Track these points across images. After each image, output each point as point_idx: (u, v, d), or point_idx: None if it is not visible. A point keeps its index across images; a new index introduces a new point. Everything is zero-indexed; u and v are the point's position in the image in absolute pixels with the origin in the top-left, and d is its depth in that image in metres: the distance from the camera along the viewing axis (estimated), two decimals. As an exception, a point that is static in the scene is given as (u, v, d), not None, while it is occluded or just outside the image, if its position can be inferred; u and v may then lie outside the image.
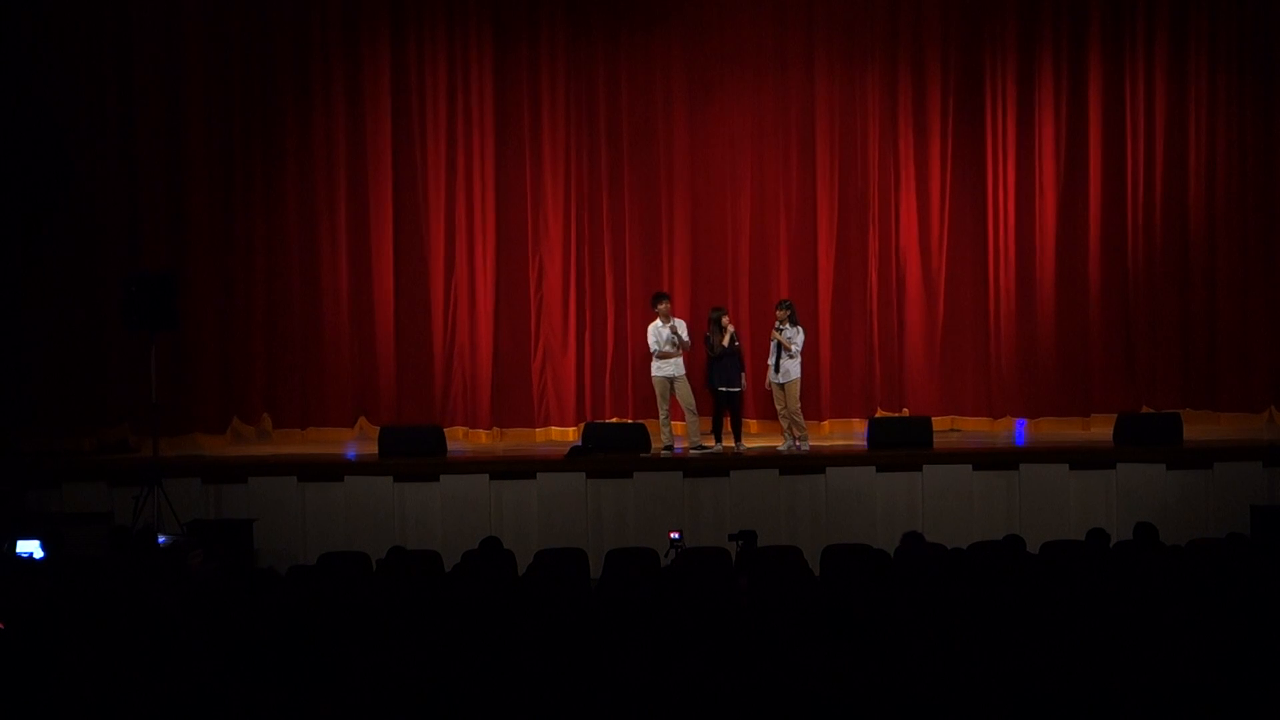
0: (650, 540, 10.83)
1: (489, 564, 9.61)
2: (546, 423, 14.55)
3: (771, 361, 13.24)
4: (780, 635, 6.82)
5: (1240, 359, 14.38)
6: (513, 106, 14.62)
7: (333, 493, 12.73)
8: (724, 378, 13.28)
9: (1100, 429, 13.88)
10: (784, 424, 13.26)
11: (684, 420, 13.37)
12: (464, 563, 9.70)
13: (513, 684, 6.02)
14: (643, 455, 13.08)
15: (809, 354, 13.78)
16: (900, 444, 13.14)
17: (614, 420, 14.33)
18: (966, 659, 6.31)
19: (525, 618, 7.40)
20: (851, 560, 9.86)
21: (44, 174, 13.63)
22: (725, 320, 13.36)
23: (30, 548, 10.41)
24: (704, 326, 13.58)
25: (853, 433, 14.20)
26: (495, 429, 14.54)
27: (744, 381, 13.40)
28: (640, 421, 13.90)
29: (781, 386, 13.18)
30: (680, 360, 13.26)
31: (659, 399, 13.29)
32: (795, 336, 13.23)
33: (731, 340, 13.30)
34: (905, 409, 14.50)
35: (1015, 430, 14.45)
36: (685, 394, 13.26)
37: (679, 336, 13.18)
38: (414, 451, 13.23)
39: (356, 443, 14.22)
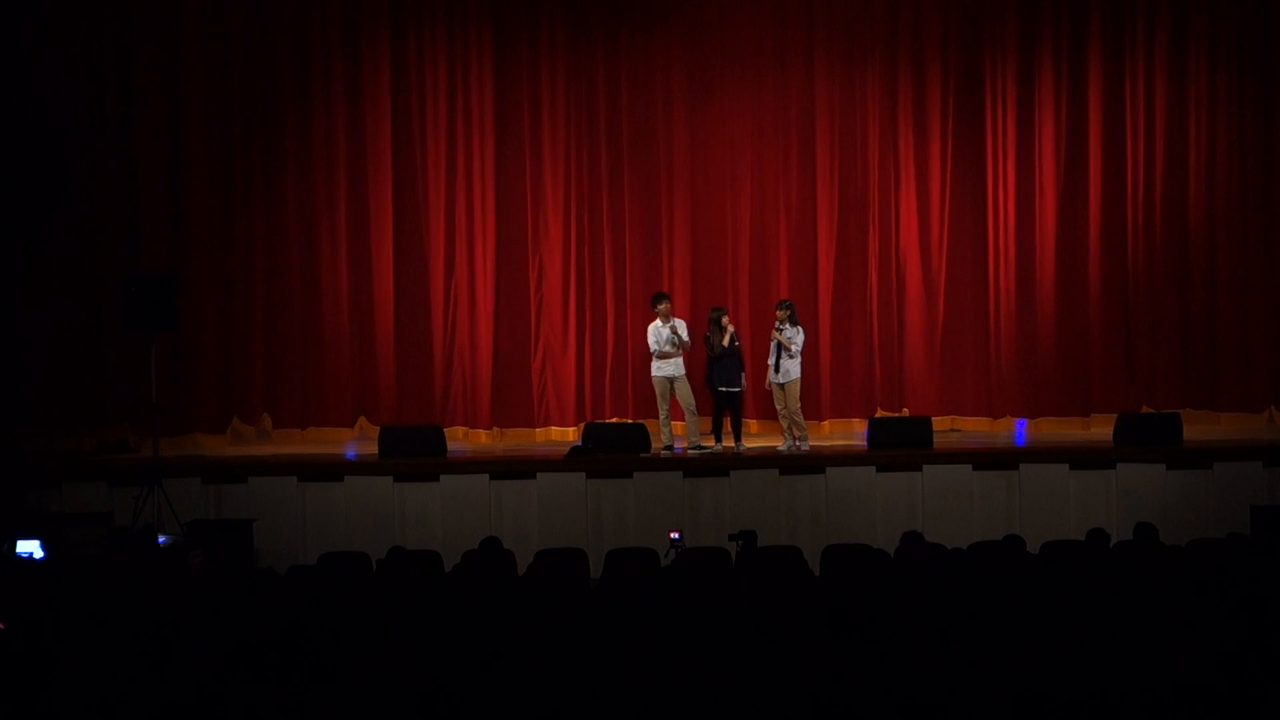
0: (650, 540, 10.83)
1: (489, 564, 9.61)
2: (546, 423, 14.56)
3: (771, 361, 13.24)
4: (780, 635, 6.81)
5: (1240, 359, 14.39)
6: (513, 106, 14.62)
7: (333, 493, 12.73)
8: (724, 378, 13.28)
9: (1100, 429, 13.88)
10: (784, 424, 13.26)
11: (684, 420, 13.36)
12: (464, 563, 9.70)
13: (513, 684, 6.02)
14: (643, 455, 13.08)
15: (809, 354, 13.79)
16: (900, 444, 13.14)
17: (614, 420, 14.33)
18: (966, 659, 6.31)
19: (525, 618, 7.40)
20: (851, 560, 9.86)
21: (44, 174, 13.62)
22: (725, 320, 13.36)
23: (30, 548, 10.41)
24: (704, 326, 13.57)
25: (853, 433, 14.20)
26: (495, 429, 14.54)
27: (744, 381, 13.40)
28: (640, 421, 13.90)
29: (781, 386, 13.18)
30: (680, 360, 13.26)
31: (659, 399, 13.29)
32: (795, 336, 13.23)
33: (731, 340, 13.30)
34: (905, 409, 14.50)
35: (1015, 430, 14.46)
36: (685, 394, 13.25)
37: (679, 336, 13.18)
38: (414, 451, 13.23)
39: (356, 443, 14.22)
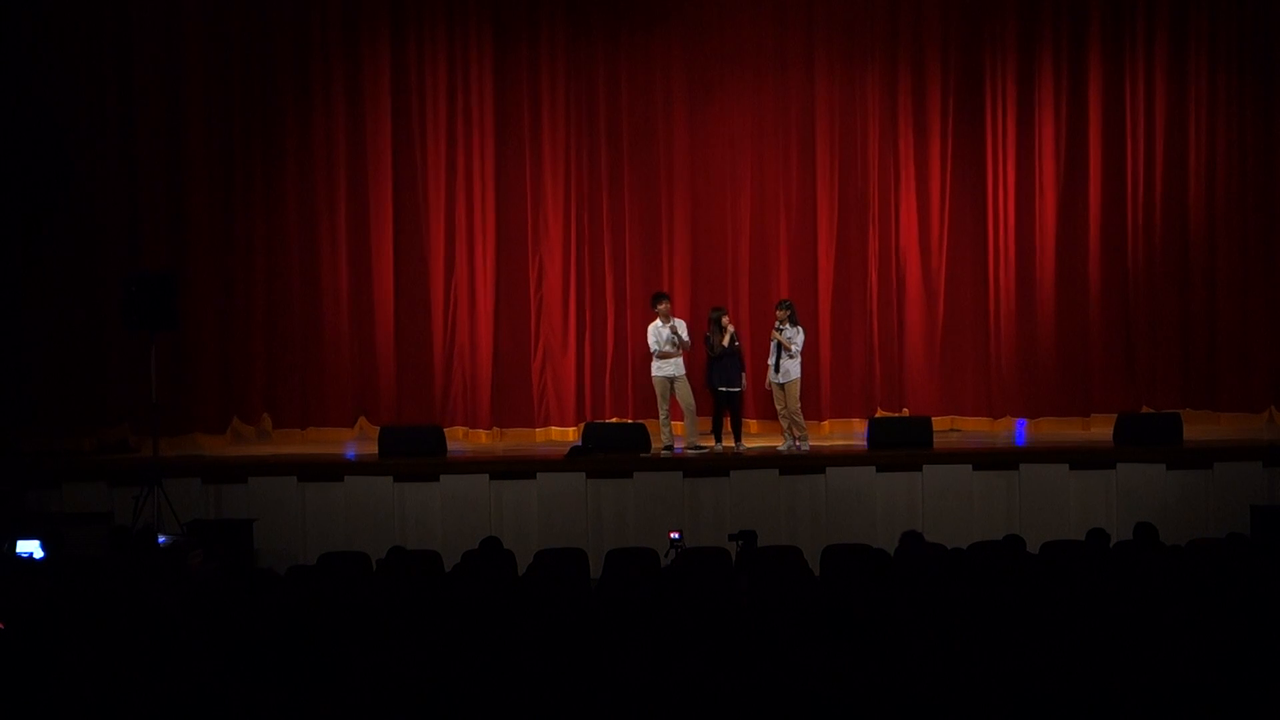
0: (650, 540, 10.83)
1: (489, 564, 9.61)
2: (546, 423, 14.56)
3: (771, 361, 13.24)
4: (780, 635, 6.81)
5: (1240, 359, 14.39)
6: (513, 106, 14.62)
7: (333, 493, 12.72)
8: (724, 378, 13.28)
9: (1100, 429, 13.88)
10: (784, 424, 13.26)
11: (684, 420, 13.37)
12: (464, 563, 9.70)
13: (513, 684, 6.02)
14: (643, 455, 13.07)
15: (809, 354, 13.78)
16: (900, 444, 13.14)
17: (614, 420, 14.33)
18: (966, 659, 6.31)
19: (525, 618, 7.40)
20: (851, 560, 9.86)
21: (44, 174, 13.62)
22: (725, 320, 13.35)
23: (30, 548, 10.41)
24: (704, 326, 13.57)
25: (853, 433, 14.20)
26: (495, 429, 14.54)
27: (744, 381, 13.40)
28: (640, 421, 13.89)
29: (781, 386, 13.18)
30: (680, 360, 13.26)
31: (659, 399, 13.29)
32: (795, 336, 13.23)
33: (731, 340, 13.30)
34: (905, 409, 14.50)
35: (1015, 430, 14.46)
36: (685, 394, 13.26)
37: (679, 336, 13.18)
38: (414, 451, 13.23)
39: (356, 443, 14.22)
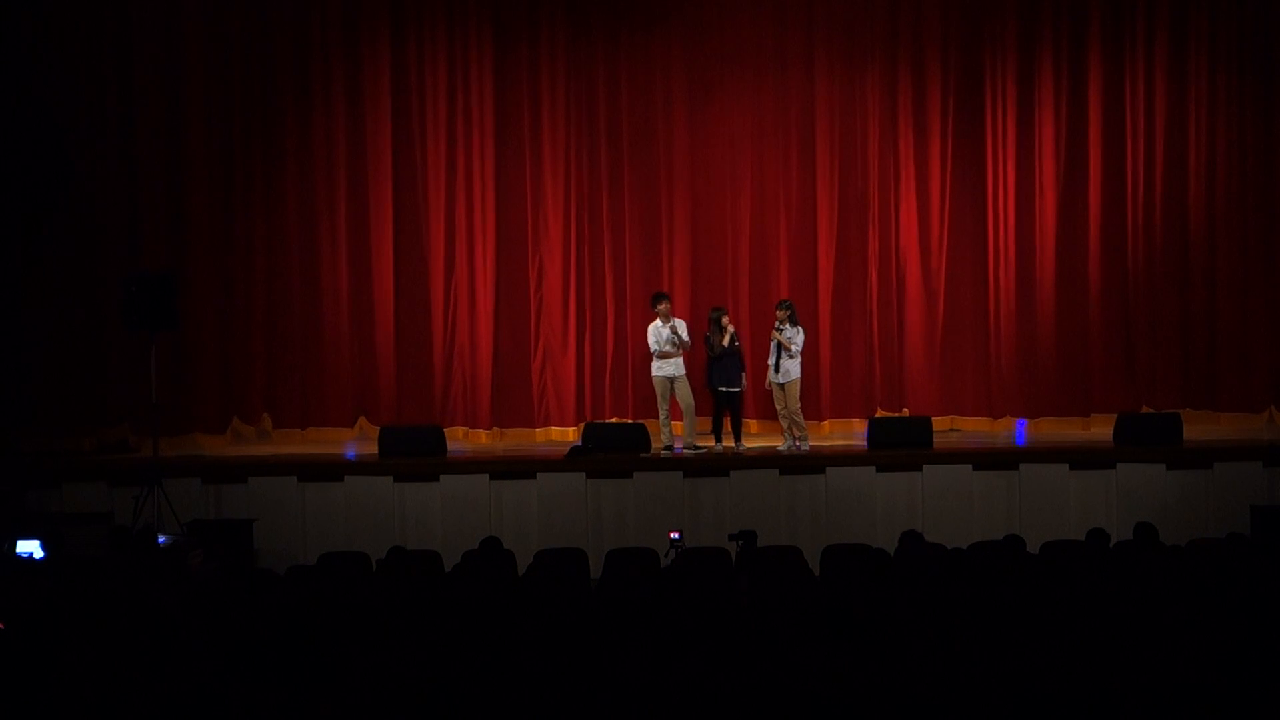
0: (650, 540, 10.83)
1: (489, 564, 9.61)
2: (546, 423, 14.56)
3: (771, 361, 13.24)
4: (780, 635, 6.81)
5: (1240, 359, 14.39)
6: (513, 106, 14.63)
7: (333, 493, 12.72)
8: (724, 378, 13.28)
9: (1100, 429, 13.88)
10: (784, 424, 13.26)
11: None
12: (464, 563, 9.70)
13: (513, 684, 6.02)
14: (643, 455, 13.07)
15: (809, 354, 13.78)
16: (900, 444, 13.14)
17: (614, 420, 14.33)
18: (966, 659, 6.31)
19: (525, 618, 7.40)
20: (851, 560, 9.86)
21: (44, 174, 13.62)
22: (725, 320, 13.36)
23: (30, 548, 10.41)
24: (704, 326, 13.57)
25: (853, 433, 14.20)
26: (495, 429, 14.54)
27: (744, 381, 13.40)
28: (640, 421, 13.90)
29: (781, 386, 13.18)
30: (680, 360, 13.26)
31: (659, 399, 13.29)
32: (795, 336, 13.23)
33: (731, 340, 13.30)
34: (905, 409, 14.50)
35: (1015, 430, 14.46)
36: (685, 394, 13.25)
37: (679, 336, 13.18)
38: (414, 451, 13.23)
39: (356, 443, 14.22)
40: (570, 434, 14.29)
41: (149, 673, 6.27)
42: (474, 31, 14.57)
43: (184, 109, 14.13)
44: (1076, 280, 14.50)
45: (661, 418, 13.28)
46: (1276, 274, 14.44)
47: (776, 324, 13.28)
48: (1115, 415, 13.65)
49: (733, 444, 13.31)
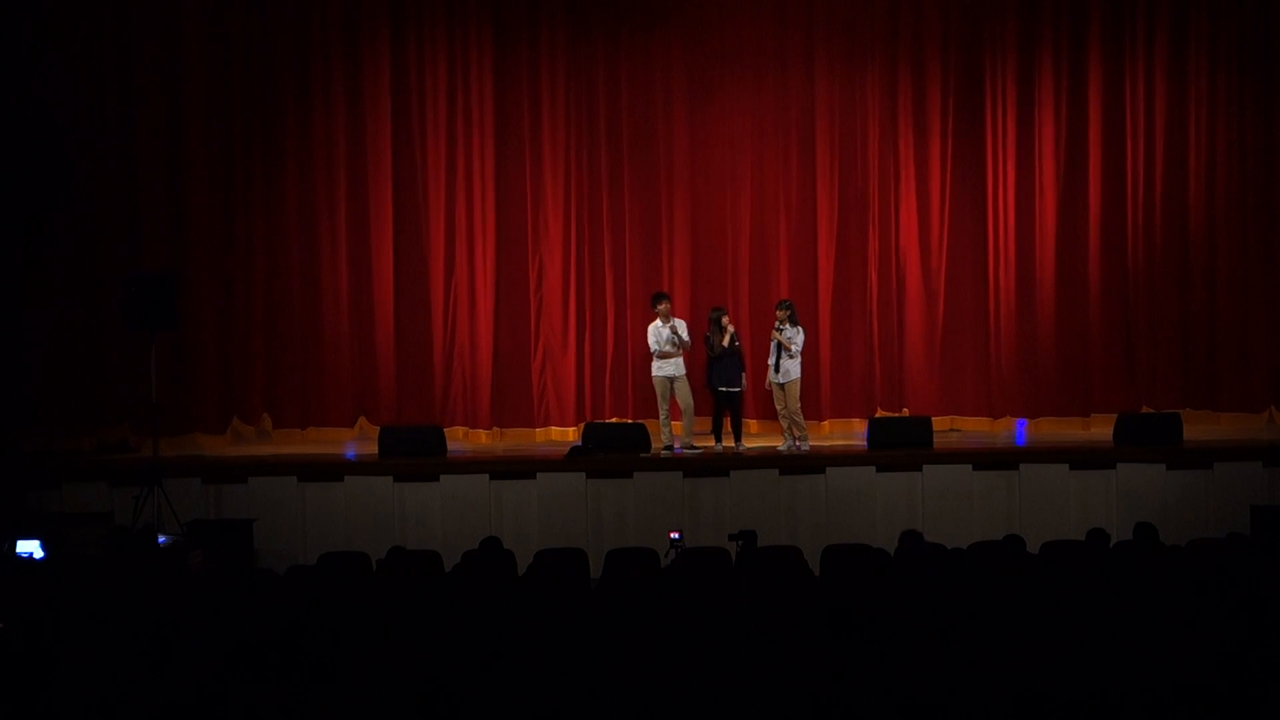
0: (650, 540, 10.83)
1: (489, 564, 9.61)
2: (546, 423, 14.56)
3: (771, 361, 13.24)
4: (780, 635, 6.81)
5: (1240, 359, 14.39)
6: (513, 106, 14.63)
7: (333, 493, 12.72)
8: (724, 378, 13.29)
9: (1100, 429, 13.88)
10: (784, 424, 13.26)
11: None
12: (464, 563, 9.70)
13: (513, 684, 6.02)
14: (643, 455, 13.07)
15: (809, 354, 13.78)
16: (900, 444, 13.14)
17: (614, 420, 14.33)
18: (966, 659, 6.31)
19: (525, 618, 7.40)
20: (851, 560, 9.86)
21: (44, 174, 13.62)
22: (725, 320, 13.36)
23: (30, 548, 10.41)
24: (704, 326, 13.58)
25: (853, 433, 14.21)
26: (495, 429, 14.54)
27: (744, 381, 13.40)
28: (640, 421, 13.90)
29: (781, 386, 13.18)
30: (680, 360, 13.26)
31: (659, 399, 13.28)
32: (795, 336, 13.23)
33: (731, 340, 13.30)
34: (905, 409, 14.50)
35: (1015, 430, 14.46)
36: (685, 394, 13.25)
37: (679, 336, 13.18)
38: (414, 451, 13.23)
39: (356, 443, 14.22)
40: (570, 434, 14.29)
41: (149, 673, 6.27)
42: (474, 31, 14.57)
43: (184, 109, 14.13)
44: (1076, 280, 14.50)
45: (661, 418, 13.27)
46: (1276, 274, 14.44)
47: (776, 324, 13.28)
48: (1115, 415, 13.65)
49: (733, 444, 13.31)
